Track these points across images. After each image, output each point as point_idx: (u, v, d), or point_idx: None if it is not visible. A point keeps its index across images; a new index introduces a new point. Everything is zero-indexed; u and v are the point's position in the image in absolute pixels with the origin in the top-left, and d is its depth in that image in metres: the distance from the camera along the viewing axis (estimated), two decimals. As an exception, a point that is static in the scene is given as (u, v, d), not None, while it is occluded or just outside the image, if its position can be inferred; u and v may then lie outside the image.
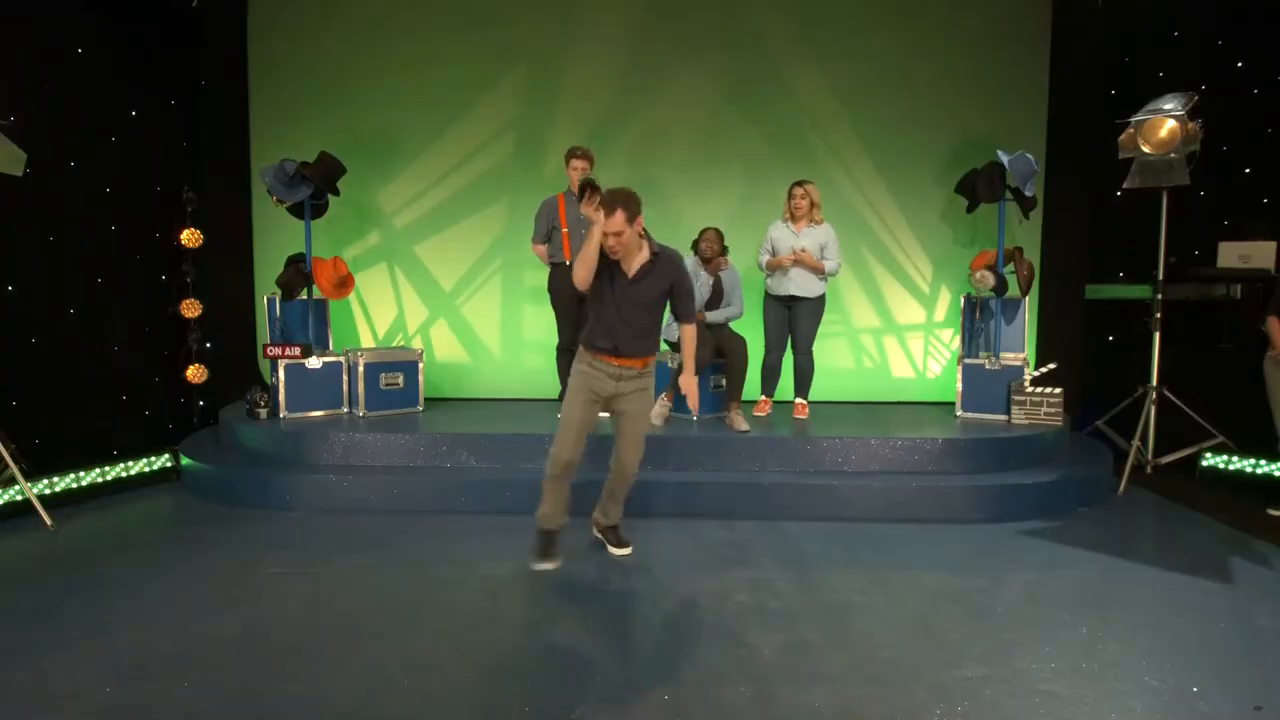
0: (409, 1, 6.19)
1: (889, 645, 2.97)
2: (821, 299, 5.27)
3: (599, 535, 4.00)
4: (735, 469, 4.80)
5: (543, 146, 6.23)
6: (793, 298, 5.22)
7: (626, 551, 3.89)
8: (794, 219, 5.22)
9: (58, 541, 4.12)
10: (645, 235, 3.45)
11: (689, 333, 3.66)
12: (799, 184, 5.20)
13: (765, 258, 5.30)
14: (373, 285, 6.42)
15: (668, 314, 3.65)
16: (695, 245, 5.31)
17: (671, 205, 6.23)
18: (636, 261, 3.46)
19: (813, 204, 5.19)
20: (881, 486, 4.55)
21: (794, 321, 5.29)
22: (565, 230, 5.08)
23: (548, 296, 5.30)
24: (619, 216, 3.29)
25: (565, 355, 5.26)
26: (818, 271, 5.16)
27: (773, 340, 5.40)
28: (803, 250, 5.12)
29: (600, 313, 3.52)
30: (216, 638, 3.01)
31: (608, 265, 3.45)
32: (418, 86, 6.23)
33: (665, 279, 3.50)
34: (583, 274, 3.41)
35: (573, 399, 3.58)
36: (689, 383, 3.70)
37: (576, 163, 5.00)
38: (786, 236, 5.22)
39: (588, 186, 3.47)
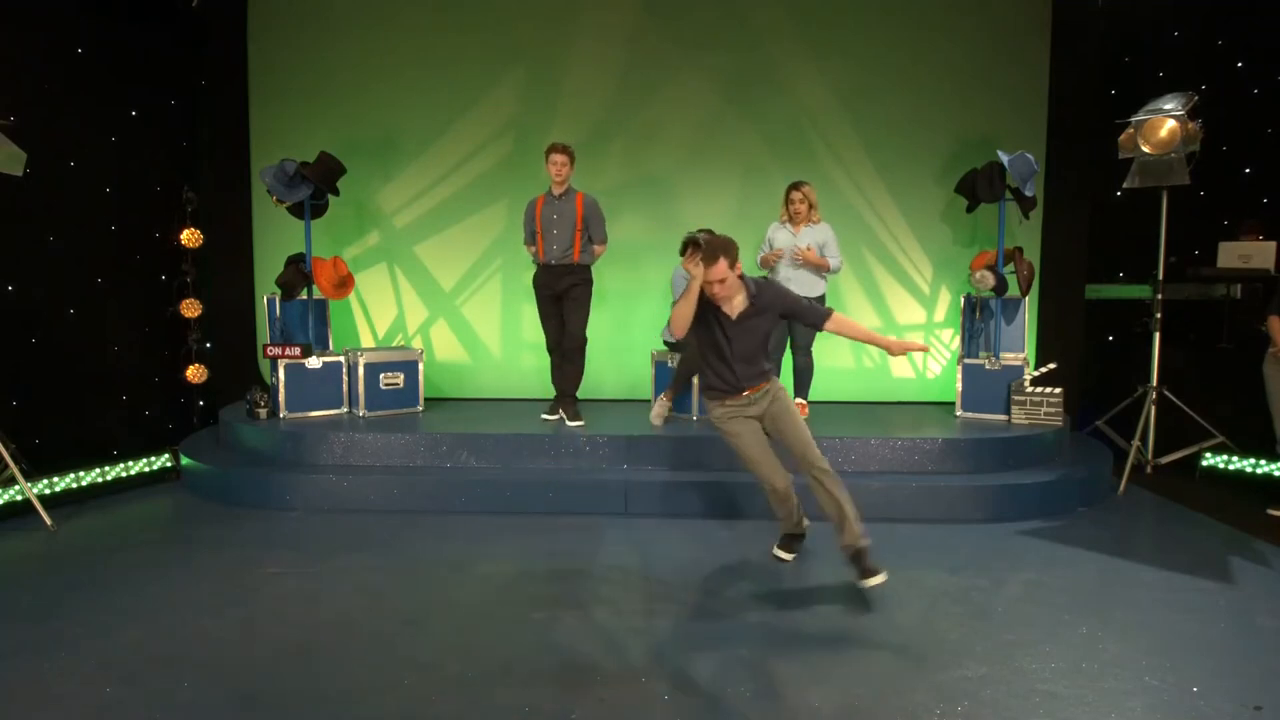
0: (409, 1, 6.19)
1: (889, 645, 2.97)
2: (821, 299, 5.27)
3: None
4: (735, 469, 4.77)
5: (543, 146, 6.20)
6: None
7: (877, 580, 3.32)
8: (792, 221, 5.22)
9: (58, 541, 4.12)
10: (741, 276, 3.47)
11: (840, 322, 3.53)
12: (795, 186, 5.21)
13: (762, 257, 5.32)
14: (373, 285, 6.42)
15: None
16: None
17: (671, 205, 6.23)
18: (738, 302, 3.47)
19: (810, 205, 5.20)
20: (881, 486, 4.55)
21: (793, 321, 5.28)
22: (540, 231, 5.05)
23: None
24: (721, 265, 3.31)
25: (554, 356, 5.27)
26: (822, 269, 5.17)
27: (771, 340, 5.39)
28: (807, 248, 5.13)
29: (714, 361, 3.55)
30: (216, 638, 3.01)
31: (708, 309, 3.47)
32: (418, 86, 6.23)
33: (773, 311, 3.52)
34: (681, 325, 3.45)
35: (737, 438, 3.59)
36: (906, 344, 3.50)
37: (556, 157, 4.97)
38: (786, 238, 5.22)
39: (690, 244, 3.51)
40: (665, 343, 5.42)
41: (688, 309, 3.41)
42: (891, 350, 3.50)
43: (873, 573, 3.34)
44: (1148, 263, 5.44)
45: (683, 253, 3.47)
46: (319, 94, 6.23)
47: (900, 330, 6.35)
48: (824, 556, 3.89)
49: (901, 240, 6.30)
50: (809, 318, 3.59)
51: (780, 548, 3.87)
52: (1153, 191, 5.19)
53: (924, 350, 3.59)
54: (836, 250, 5.21)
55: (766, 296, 3.51)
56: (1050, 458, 5.06)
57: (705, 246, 3.38)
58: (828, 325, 3.54)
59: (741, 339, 3.49)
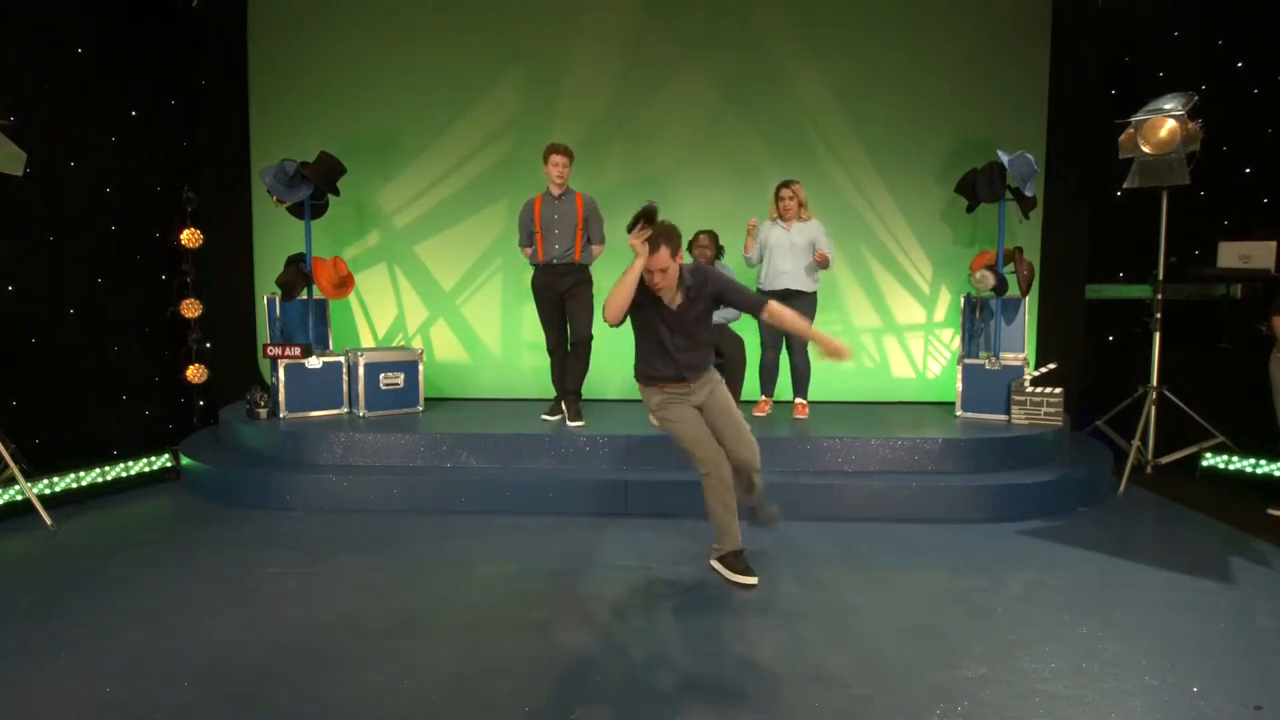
0: (409, 2, 6.19)
1: (889, 645, 2.97)
2: (814, 296, 5.28)
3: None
4: (735, 469, 4.79)
5: (542, 147, 6.21)
6: (786, 293, 5.22)
7: (772, 515, 3.66)
8: (783, 218, 5.25)
9: (58, 541, 4.12)
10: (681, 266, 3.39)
11: (775, 311, 3.42)
12: (785, 185, 5.24)
13: (750, 255, 5.39)
14: (373, 285, 6.42)
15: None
16: (689, 248, 5.32)
17: (671, 205, 6.20)
18: (678, 292, 3.41)
19: (800, 203, 5.23)
20: (881, 486, 4.55)
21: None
22: (539, 232, 5.04)
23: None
24: (664, 254, 3.23)
25: (554, 357, 5.26)
26: (823, 265, 5.18)
27: (767, 338, 5.41)
28: (815, 250, 5.18)
29: (653, 344, 3.46)
30: (216, 638, 3.01)
31: (649, 298, 3.38)
32: (418, 86, 6.23)
33: (708, 295, 3.44)
34: (616, 311, 3.30)
35: (679, 423, 3.48)
36: (834, 343, 3.28)
37: (556, 158, 4.96)
38: (779, 235, 5.24)
39: (642, 217, 3.24)
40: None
41: (625, 294, 3.26)
42: (820, 346, 3.31)
43: (769, 516, 3.66)
44: (1148, 263, 5.44)
45: (631, 228, 3.24)
46: (319, 94, 6.23)
47: (900, 330, 6.35)
48: (824, 558, 3.89)
49: (901, 240, 6.30)
50: (743, 304, 3.51)
51: (737, 572, 3.51)
52: (1153, 191, 5.19)
53: (838, 349, 3.26)
54: (827, 246, 5.23)
55: (699, 281, 3.42)
56: (1050, 458, 5.06)
57: (655, 230, 3.24)
58: (763, 314, 3.46)
59: (683, 329, 3.43)
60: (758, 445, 3.57)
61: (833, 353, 3.26)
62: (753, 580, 3.48)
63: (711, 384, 3.57)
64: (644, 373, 3.55)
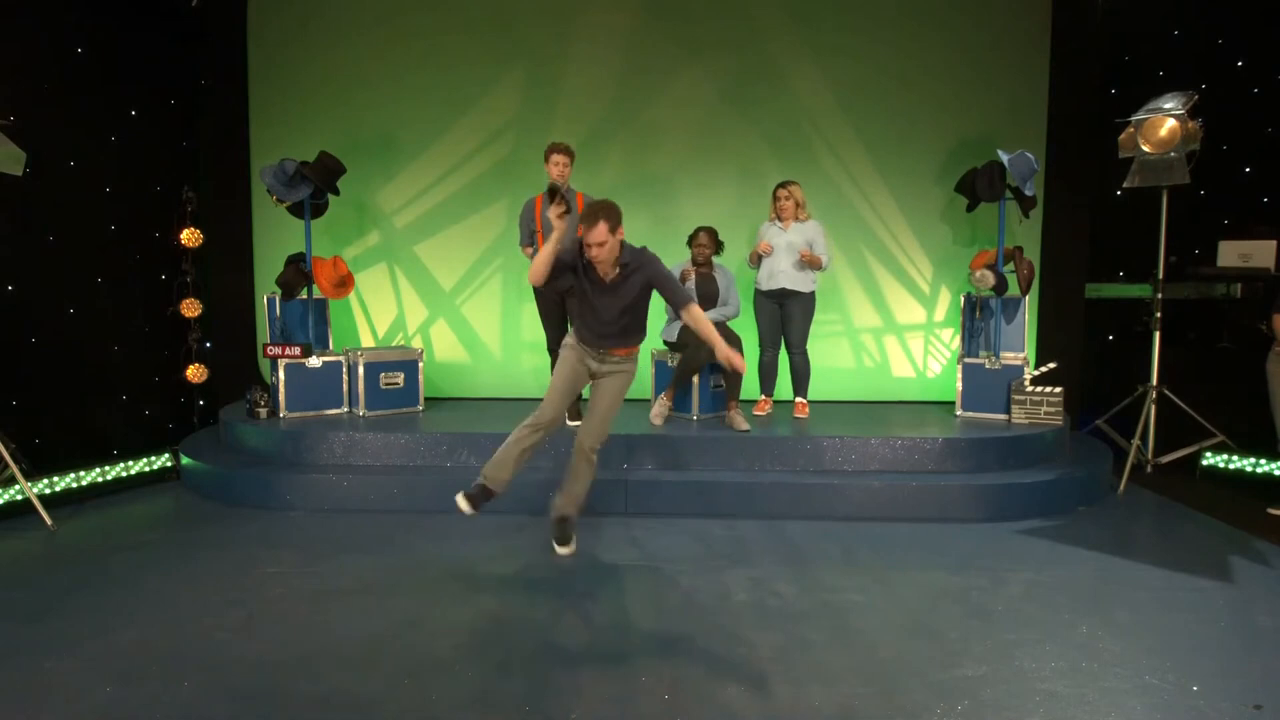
0: (409, 2, 6.19)
1: (889, 645, 2.97)
2: (812, 296, 5.28)
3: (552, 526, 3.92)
4: (735, 469, 4.80)
5: (543, 146, 6.18)
6: (784, 293, 5.23)
7: (566, 550, 3.87)
8: (781, 218, 5.25)
9: (58, 541, 4.12)
10: (623, 243, 3.49)
11: (696, 315, 3.49)
12: (782, 185, 5.26)
13: (752, 264, 5.37)
14: (373, 285, 6.42)
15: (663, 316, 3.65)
16: (689, 244, 5.32)
17: (670, 205, 6.23)
18: (614, 267, 3.51)
19: (797, 204, 5.23)
20: (881, 486, 4.55)
21: (786, 320, 5.31)
22: (540, 231, 5.04)
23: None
24: (601, 228, 3.34)
25: (554, 356, 5.25)
26: (815, 266, 5.18)
27: (766, 337, 5.41)
28: (806, 245, 5.16)
29: (582, 314, 3.63)
30: (216, 638, 3.01)
31: (583, 267, 3.52)
32: (418, 86, 6.22)
33: (640, 278, 3.52)
34: (538, 275, 3.50)
35: (560, 365, 3.74)
36: (731, 353, 3.42)
37: (557, 157, 4.95)
38: (776, 235, 5.25)
39: (555, 192, 3.55)
40: (665, 342, 5.42)
41: (544, 259, 3.45)
42: (718, 353, 3.44)
43: (567, 541, 3.85)
44: (1148, 262, 5.44)
45: (550, 199, 3.53)
46: (319, 94, 6.23)
47: (900, 330, 6.35)
48: (824, 557, 3.89)
49: (901, 240, 6.30)
50: (671, 296, 3.58)
51: (472, 503, 3.68)
52: (1153, 191, 5.19)
53: (734, 362, 3.43)
54: (824, 247, 5.24)
55: (636, 263, 3.51)
56: (1050, 457, 5.06)
57: (587, 208, 3.39)
58: (683, 312, 3.54)
59: (606, 303, 3.53)
60: (604, 440, 3.77)
61: (728, 360, 3.44)
62: (467, 509, 3.66)
63: (624, 370, 3.71)
64: (575, 328, 3.75)
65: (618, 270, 3.52)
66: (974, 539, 4.16)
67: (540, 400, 3.83)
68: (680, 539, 4.14)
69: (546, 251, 3.46)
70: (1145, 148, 4.91)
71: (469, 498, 3.69)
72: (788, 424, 5.23)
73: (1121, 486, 5.05)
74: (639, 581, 3.60)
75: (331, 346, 5.91)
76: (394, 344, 6.43)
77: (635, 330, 3.66)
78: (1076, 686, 2.66)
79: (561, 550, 3.88)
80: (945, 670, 2.77)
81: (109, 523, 4.44)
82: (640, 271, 3.52)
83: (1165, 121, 4.84)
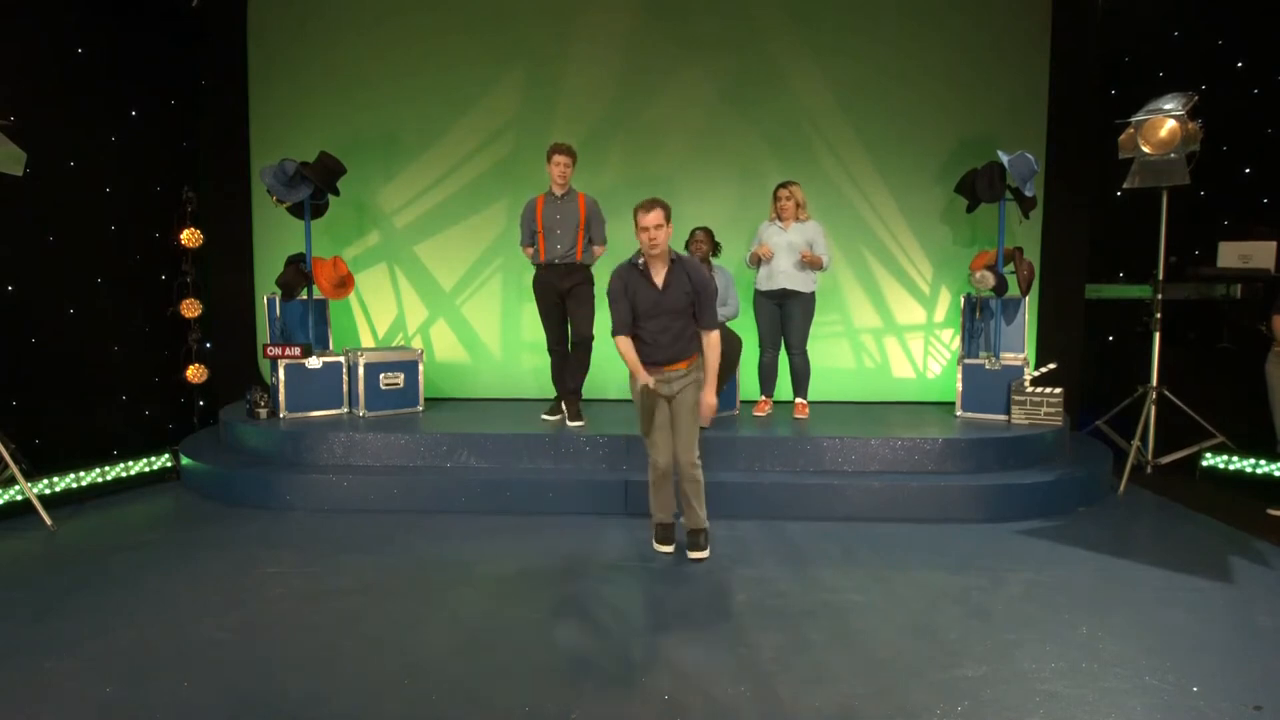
0: (409, 2, 6.19)
1: (889, 645, 2.97)
2: (812, 296, 5.28)
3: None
4: (735, 469, 4.80)
5: (543, 146, 6.14)
6: (783, 293, 5.23)
7: (699, 555, 3.85)
8: (781, 219, 5.25)
9: (58, 541, 4.12)
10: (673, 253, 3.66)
11: (713, 342, 3.69)
12: (783, 185, 5.27)
13: (751, 265, 5.36)
14: (373, 285, 6.42)
15: None
16: (686, 246, 5.32)
17: (671, 205, 6.17)
18: (664, 271, 3.63)
19: (798, 204, 5.24)
20: (881, 486, 4.55)
21: (786, 320, 5.31)
22: (541, 231, 5.04)
23: None
24: (658, 212, 3.53)
25: (554, 356, 5.26)
26: (816, 266, 5.18)
27: (766, 338, 5.42)
28: (807, 245, 5.16)
29: (638, 334, 3.69)
30: (216, 638, 3.01)
31: (636, 285, 3.63)
32: (418, 86, 6.22)
33: (687, 281, 3.63)
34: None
35: (641, 411, 3.74)
36: (709, 399, 3.69)
37: (560, 158, 4.95)
38: (776, 235, 5.25)
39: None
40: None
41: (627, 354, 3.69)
42: (703, 392, 3.69)
43: (701, 548, 3.86)
44: (1148, 263, 5.44)
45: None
46: (319, 94, 6.23)
47: (900, 330, 6.35)
48: (824, 558, 3.89)
49: (901, 240, 6.30)
50: (703, 308, 3.66)
51: (662, 539, 3.96)
52: (1153, 191, 5.19)
53: (704, 408, 3.68)
54: (825, 248, 5.24)
55: (683, 265, 3.65)
56: (1050, 458, 5.06)
57: (647, 198, 3.60)
58: (706, 332, 3.68)
59: (665, 310, 3.61)
60: (697, 450, 3.77)
61: (705, 403, 3.68)
62: (668, 549, 3.93)
63: (693, 382, 3.74)
64: (638, 363, 3.76)
65: (668, 266, 3.63)
66: (974, 539, 4.16)
67: (545, 401, 3.83)
68: (680, 539, 4.14)
69: (630, 360, 3.66)
70: (1145, 148, 4.91)
71: (659, 540, 3.96)
72: (788, 424, 5.24)
73: (1121, 487, 5.04)
74: (638, 582, 3.60)
75: (331, 347, 5.91)
76: (394, 344, 6.43)
77: (685, 338, 3.68)
78: (1076, 687, 2.66)
79: (694, 556, 3.86)
80: (945, 670, 2.77)
81: (109, 523, 4.44)
82: (688, 272, 3.64)
83: (1165, 122, 4.84)
